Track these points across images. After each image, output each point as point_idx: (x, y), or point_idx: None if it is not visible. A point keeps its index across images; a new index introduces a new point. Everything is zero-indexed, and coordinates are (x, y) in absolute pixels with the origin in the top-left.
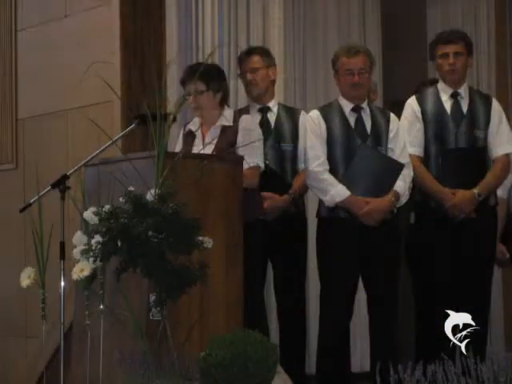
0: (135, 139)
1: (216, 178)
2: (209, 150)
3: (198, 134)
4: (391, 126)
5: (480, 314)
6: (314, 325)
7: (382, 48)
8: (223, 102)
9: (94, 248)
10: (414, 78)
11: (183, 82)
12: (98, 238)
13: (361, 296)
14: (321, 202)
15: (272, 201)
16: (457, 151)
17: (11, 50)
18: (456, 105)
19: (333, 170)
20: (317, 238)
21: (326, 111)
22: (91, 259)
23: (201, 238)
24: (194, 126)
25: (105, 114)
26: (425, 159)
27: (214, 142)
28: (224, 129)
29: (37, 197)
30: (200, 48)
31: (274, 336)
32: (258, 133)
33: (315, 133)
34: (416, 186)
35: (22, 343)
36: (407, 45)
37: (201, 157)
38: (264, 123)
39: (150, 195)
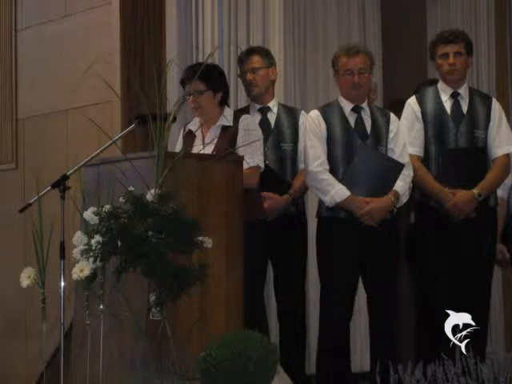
0: (135, 139)
1: (216, 178)
2: (209, 150)
3: (198, 134)
4: (391, 126)
5: (480, 314)
6: (314, 325)
7: (382, 48)
8: (223, 102)
9: (94, 248)
10: (414, 78)
11: (183, 82)
12: (98, 237)
13: (361, 296)
14: (321, 202)
15: (272, 201)
16: (457, 151)
17: (11, 50)
18: (456, 105)
19: (333, 170)
20: (317, 238)
21: (325, 111)
22: (91, 259)
23: (201, 238)
24: (194, 125)
25: (105, 114)
26: (425, 159)
27: (214, 141)
28: (224, 129)
29: (37, 197)
30: (200, 48)
31: (274, 336)
32: (258, 133)
33: (315, 133)
34: (416, 186)
35: (22, 343)
36: (407, 45)
37: (201, 157)
38: (264, 123)
39: (150, 195)
